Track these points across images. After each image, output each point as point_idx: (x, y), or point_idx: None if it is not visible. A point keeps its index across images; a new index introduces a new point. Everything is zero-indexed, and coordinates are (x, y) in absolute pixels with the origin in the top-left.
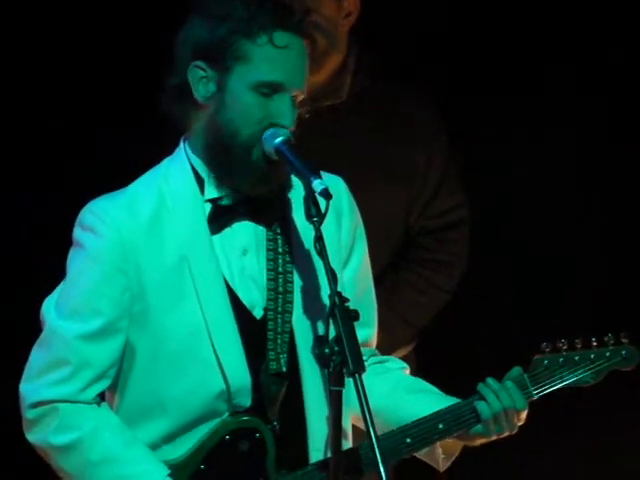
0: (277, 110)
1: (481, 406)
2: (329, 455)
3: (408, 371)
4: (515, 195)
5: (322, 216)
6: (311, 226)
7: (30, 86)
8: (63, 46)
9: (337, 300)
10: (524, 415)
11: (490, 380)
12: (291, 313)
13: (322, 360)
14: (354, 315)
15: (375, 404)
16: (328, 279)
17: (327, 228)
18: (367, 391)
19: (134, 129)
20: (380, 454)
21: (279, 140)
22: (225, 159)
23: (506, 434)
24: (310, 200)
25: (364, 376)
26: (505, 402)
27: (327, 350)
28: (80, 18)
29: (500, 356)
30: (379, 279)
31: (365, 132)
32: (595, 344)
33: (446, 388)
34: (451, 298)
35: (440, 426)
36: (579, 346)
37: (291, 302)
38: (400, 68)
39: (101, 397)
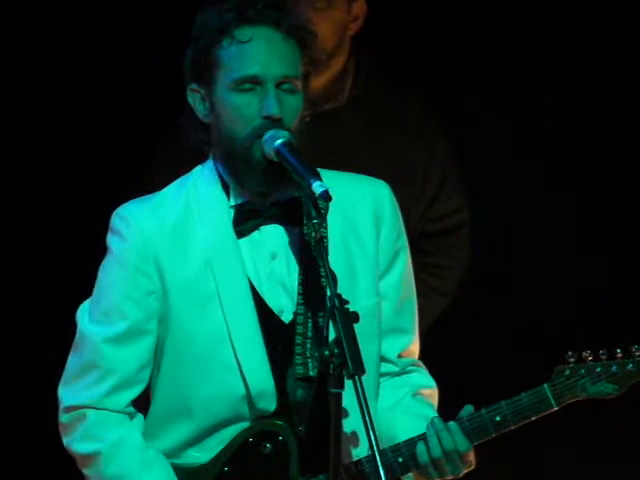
0: (261, 103)
1: (420, 449)
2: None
3: (429, 390)
4: (518, 195)
5: (322, 218)
6: (349, 229)
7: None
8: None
9: (337, 302)
10: (471, 457)
11: (435, 419)
12: (322, 318)
13: (321, 362)
14: (354, 317)
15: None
16: (327, 281)
17: (365, 232)
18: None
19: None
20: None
21: (279, 142)
22: (233, 165)
23: (449, 477)
24: (310, 202)
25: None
26: (446, 444)
27: (327, 352)
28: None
29: (500, 359)
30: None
31: (365, 135)
32: (620, 355)
33: (446, 393)
34: (451, 302)
35: (400, 460)
36: (604, 357)
37: (321, 307)
38: (400, 71)
39: (137, 409)
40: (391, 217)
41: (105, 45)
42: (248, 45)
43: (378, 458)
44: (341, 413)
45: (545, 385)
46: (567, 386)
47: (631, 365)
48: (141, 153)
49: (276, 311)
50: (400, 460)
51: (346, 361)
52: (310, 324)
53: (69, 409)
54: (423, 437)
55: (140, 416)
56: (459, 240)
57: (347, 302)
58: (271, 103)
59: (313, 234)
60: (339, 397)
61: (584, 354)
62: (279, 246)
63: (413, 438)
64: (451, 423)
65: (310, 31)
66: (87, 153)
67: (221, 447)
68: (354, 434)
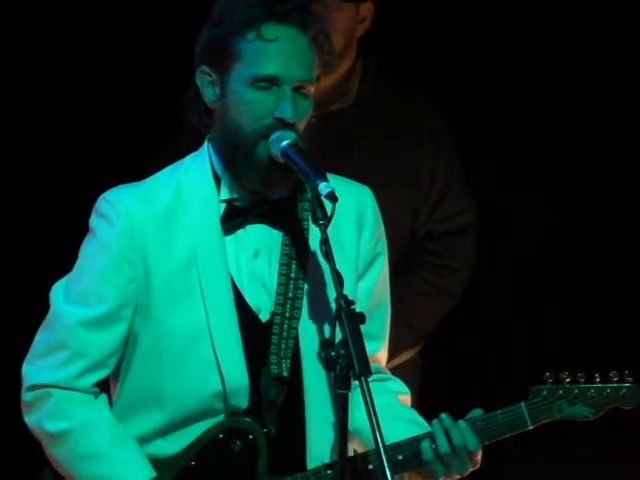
0: (276, 103)
1: (424, 446)
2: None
3: (405, 396)
4: (522, 197)
5: (328, 219)
6: (331, 233)
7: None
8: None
9: (343, 303)
10: (479, 457)
11: (444, 416)
12: (298, 319)
13: (328, 363)
14: (360, 318)
15: (358, 423)
16: (334, 282)
17: (346, 237)
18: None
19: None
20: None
21: (285, 143)
22: (233, 159)
23: (456, 477)
24: (316, 203)
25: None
26: (456, 441)
27: (333, 353)
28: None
29: (506, 362)
30: None
31: (371, 136)
32: (598, 380)
33: (451, 392)
34: (457, 303)
35: (399, 457)
36: (582, 380)
37: (299, 308)
38: (407, 72)
39: (101, 388)
40: (372, 223)
41: (106, 43)
42: (273, 44)
43: (384, 458)
44: (347, 415)
45: (522, 404)
46: (544, 406)
47: (609, 390)
48: (144, 150)
49: (255, 309)
50: (400, 457)
51: (352, 362)
52: (286, 325)
53: (33, 387)
54: (428, 435)
55: (104, 395)
56: (465, 241)
57: (353, 303)
58: (287, 106)
59: (318, 235)
60: (345, 398)
61: (562, 375)
62: (262, 245)
63: (417, 436)
64: (460, 422)
65: (330, 37)
66: (89, 151)
67: (190, 441)
68: (326, 429)
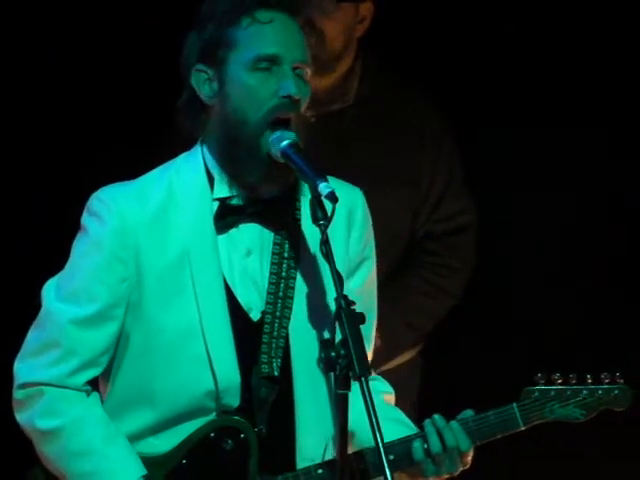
0: (279, 82)
1: (416, 445)
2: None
3: (390, 396)
4: (523, 198)
5: (328, 219)
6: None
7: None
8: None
9: (343, 303)
10: (469, 458)
11: (437, 417)
12: (289, 319)
13: (328, 364)
14: (360, 318)
15: (354, 423)
16: (334, 282)
17: (336, 235)
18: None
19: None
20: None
21: (285, 143)
22: (233, 153)
23: (445, 476)
24: (316, 203)
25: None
26: (448, 442)
27: (333, 353)
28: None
29: (505, 362)
30: (384, 283)
31: (371, 136)
32: (590, 381)
33: (451, 392)
34: (457, 303)
35: (391, 457)
36: (574, 381)
37: (290, 307)
38: (407, 72)
39: (93, 386)
40: (362, 224)
41: (106, 43)
42: (269, 26)
43: (384, 459)
44: (348, 415)
45: (514, 404)
46: (535, 407)
47: (601, 392)
48: (144, 150)
49: (246, 308)
50: (391, 457)
51: (353, 362)
52: (277, 324)
53: (25, 385)
54: (420, 435)
55: (97, 393)
56: (465, 241)
57: (353, 303)
58: (290, 84)
59: (312, 234)
60: (345, 399)
61: (553, 376)
62: (254, 243)
63: (408, 436)
64: (453, 422)
65: (319, 31)
66: (89, 151)
67: (181, 439)
68: (316, 429)
